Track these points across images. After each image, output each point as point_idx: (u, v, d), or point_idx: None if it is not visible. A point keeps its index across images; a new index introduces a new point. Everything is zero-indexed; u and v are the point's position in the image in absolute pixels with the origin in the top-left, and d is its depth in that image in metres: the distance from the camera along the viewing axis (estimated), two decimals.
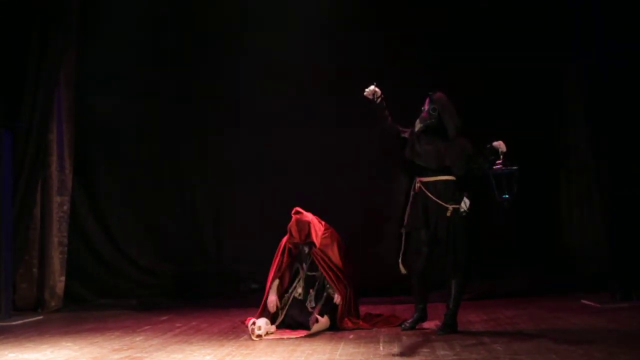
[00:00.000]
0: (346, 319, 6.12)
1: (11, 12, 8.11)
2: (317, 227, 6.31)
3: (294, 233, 6.29)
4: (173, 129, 8.92)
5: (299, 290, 6.28)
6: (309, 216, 6.37)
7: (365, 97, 5.79)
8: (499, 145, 5.67)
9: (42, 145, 8.28)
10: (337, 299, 6.15)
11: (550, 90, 8.47)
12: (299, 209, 6.38)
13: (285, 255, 6.38)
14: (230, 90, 8.83)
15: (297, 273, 6.40)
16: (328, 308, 6.13)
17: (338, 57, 8.61)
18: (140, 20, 8.77)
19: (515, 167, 5.60)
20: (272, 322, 6.10)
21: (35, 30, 8.19)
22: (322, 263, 6.19)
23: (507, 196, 5.59)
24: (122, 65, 8.77)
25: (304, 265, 6.32)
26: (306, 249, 6.33)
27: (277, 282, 6.36)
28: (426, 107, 5.90)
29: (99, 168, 8.96)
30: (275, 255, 6.41)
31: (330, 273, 6.17)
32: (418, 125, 5.90)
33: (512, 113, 8.31)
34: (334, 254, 6.24)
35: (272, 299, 6.28)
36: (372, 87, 5.78)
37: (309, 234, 6.27)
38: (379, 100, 5.79)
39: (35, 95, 8.17)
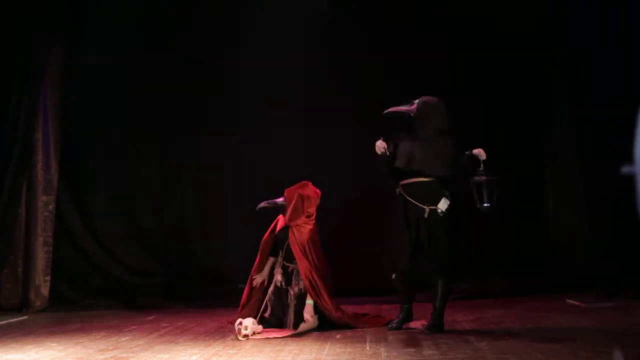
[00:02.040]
0: (334, 312, 6.09)
1: None
2: (302, 208, 6.25)
3: (285, 195, 6.29)
4: (161, 128, 8.90)
5: (279, 277, 6.26)
6: (309, 193, 6.33)
7: (377, 152, 5.83)
8: (479, 153, 5.70)
9: (27, 145, 8.24)
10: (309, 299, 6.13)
11: (535, 89, 8.51)
12: (308, 182, 6.38)
13: (267, 234, 6.36)
14: (218, 89, 8.82)
15: (275, 262, 6.37)
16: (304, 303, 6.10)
17: (333, 57, 8.64)
18: (128, 19, 8.74)
19: (493, 177, 5.61)
20: (257, 315, 6.09)
21: (20, 29, 8.15)
22: (296, 247, 6.12)
23: (487, 204, 5.60)
24: (109, 64, 8.74)
25: (280, 252, 6.30)
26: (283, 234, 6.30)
27: (271, 260, 6.36)
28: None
29: (85, 167, 8.91)
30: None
31: (303, 262, 6.10)
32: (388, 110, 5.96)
33: (497, 113, 8.35)
34: (308, 241, 6.19)
35: (264, 275, 6.30)
36: (380, 143, 5.82)
37: (290, 205, 6.22)
38: (388, 152, 5.83)
39: (21, 95, 8.13)
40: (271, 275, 6.36)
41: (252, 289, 6.52)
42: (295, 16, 8.59)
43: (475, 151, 5.71)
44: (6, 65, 8.09)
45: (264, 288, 6.36)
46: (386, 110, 6.00)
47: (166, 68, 8.83)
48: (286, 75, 8.60)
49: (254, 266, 6.43)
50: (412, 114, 5.89)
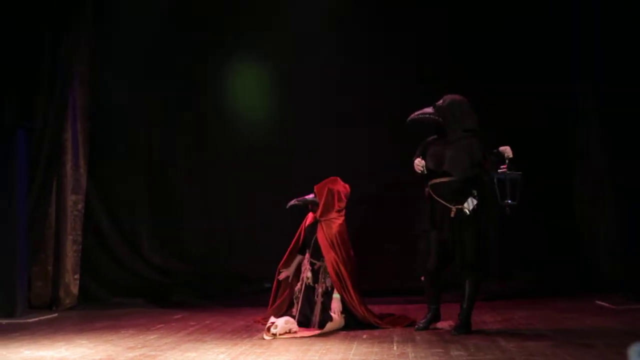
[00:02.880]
0: (359, 307, 6.10)
1: (25, 11, 8.16)
2: (333, 203, 6.27)
3: (315, 191, 6.32)
4: (187, 127, 8.96)
5: (308, 274, 6.28)
6: (339, 188, 6.35)
7: (416, 170, 5.85)
8: (505, 150, 5.68)
9: (57, 144, 8.34)
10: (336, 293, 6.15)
11: (563, 86, 8.43)
12: (338, 178, 6.42)
13: (299, 231, 6.41)
14: (241, 88, 8.85)
15: (303, 259, 6.41)
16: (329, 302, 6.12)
17: (347, 57, 8.66)
18: (154, 19, 8.81)
19: (519, 173, 5.57)
20: (289, 311, 6.17)
21: (49, 28, 8.24)
22: (325, 241, 6.14)
23: (509, 201, 5.57)
24: (137, 63, 8.82)
25: (308, 249, 6.32)
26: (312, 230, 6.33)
27: (300, 257, 6.43)
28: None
29: (114, 167, 9.00)
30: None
31: (331, 255, 6.11)
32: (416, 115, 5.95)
33: (525, 111, 8.28)
34: (336, 235, 6.21)
35: (291, 269, 6.41)
36: (418, 161, 5.84)
37: (321, 200, 6.26)
38: (425, 170, 5.84)
39: (50, 94, 8.22)
40: (298, 272, 6.39)
41: (278, 287, 6.56)
42: (313, 15, 8.62)
43: (502, 148, 5.69)
44: (35, 65, 8.18)
45: (291, 286, 6.40)
46: (411, 117, 5.99)
47: (193, 66, 8.89)
48: (310, 75, 8.62)
49: (282, 261, 6.47)
50: (438, 119, 5.87)
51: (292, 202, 6.48)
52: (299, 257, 6.48)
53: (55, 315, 7.77)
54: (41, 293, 8.30)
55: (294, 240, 6.51)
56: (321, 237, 6.20)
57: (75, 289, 8.41)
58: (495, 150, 5.71)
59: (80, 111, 8.60)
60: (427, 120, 5.96)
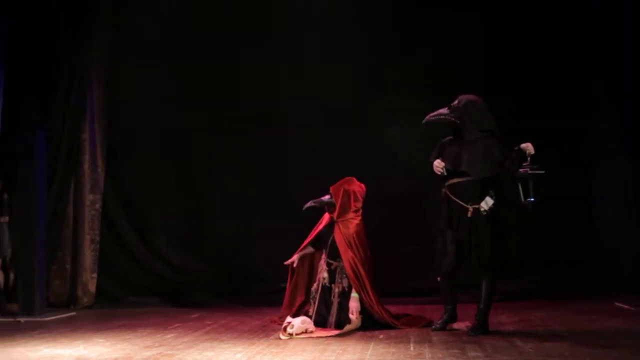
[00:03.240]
0: (377, 307, 6.09)
1: (44, 12, 8.22)
2: (350, 203, 6.28)
3: (331, 192, 6.34)
4: (203, 128, 8.98)
5: (325, 275, 6.28)
6: (354, 188, 6.35)
7: (435, 172, 5.84)
8: (527, 147, 5.64)
9: (75, 145, 8.40)
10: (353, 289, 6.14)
11: (584, 88, 8.37)
12: (353, 178, 6.42)
13: (316, 228, 6.43)
14: (260, 90, 8.88)
15: (319, 260, 6.42)
16: (348, 301, 6.11)
17: (367, 57, 8.65)
18: (172, 18, 8.85)
19: (542, 171, 5.54)
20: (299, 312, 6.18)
21: (68, 30, 8.30)
22: (342, 241, 6.14)
23: (532, 199, 5.53)
24: (154, 63, 8.86)
25: (325, 250, 6.32)
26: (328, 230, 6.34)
27: (310, 249, 6.47)
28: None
29: (131, 167, 9.05)
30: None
31: (348, 255, 6.11)
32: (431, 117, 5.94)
33: (545, 112, 8.23)
34: (353, 235, 6.20)
35: (296, 257, 6.44)
36: (437, 163, 5.82)
37: (338, 201, 6.27)
38: (445, 171, 5.82)
39: (68, 95, 8.29)
40: (311, 270, 6.38)
41: (294, 287, 6.57)
42: (333, 14, 8.62)
43: (523, 145, 5.65)
44: (53, 66, 8.25)
45: (307, 286, 6.41)
46: (426, 119, 5.97)
47: (210, 67, 8.91)
48: (326, 75, 8.63)
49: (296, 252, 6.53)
50: (455, 120, 5.85)
51: (309, 203, 6.48)
52: (309, 249, 6.49)
53: (73, 313, 7.83)
54: (59, 292, 8.37)
55: (308, 237, 6.51)
56: (338, 237, 6.20)
57: (92, 288, 8.47)
58: (516, 148, 5.68)
59: (98, 111, 8.67)
60: (443, 122, 5.94)
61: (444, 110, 5.94)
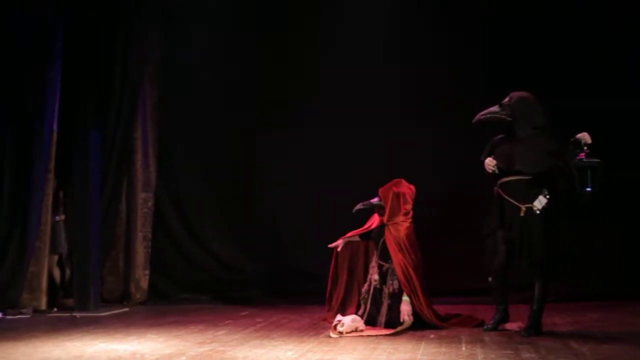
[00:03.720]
0: (426, 310, 6.07)
1: (97, 13, 8.40)
2: (399, 205, 6.26)
3: (380, 195, 6.33)
4: (254, 126, 9.04)
5: (376, 277, 6.27)
6: (404, 190, 6.33)
7: (487, 170, 5.78)
8: (583, 136, 5.54)
9: (127, 144, 8.57)
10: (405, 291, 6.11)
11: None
12: (402, 179, 6.41)
13: (367, 225, 6.43)
14: (313, 90, 8.90)
15: (370, 262, 6.42)
16: (398, 302, 6.09)
17: (407, 58, 8.63)
18: (223, 18, 8.93)
19: (597, 160, 5.43)
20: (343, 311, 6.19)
21: (120, 30, 8.46)
22: (393, 244, 6.12)
23: (588, 189, 5.42)
24: (205, 63, 8.97)
25: (376, 251, 6.32)
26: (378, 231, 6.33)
27: (356, 238, 6.52)
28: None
29: (182, 166, 9.17)
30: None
31: (399, 258, 6.09)
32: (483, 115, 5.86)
33: (601, 103, 8.08)
34: (404, 238, 6.18)
35: (339, 242, 6.53)
36: (489, 161, 5.76)
37: (387, 204, 6.25)
38: (497, 169, 5.76)
39: (122, 95, 8.46)
40: (357, 268, 6.39)
41: (334, 287, 6.59)
42: (378, 13, 8.59)
43: (579, 135, 5.55)
44: (106, 65, 8.42)
45: (346, 282, 6.44)
46: (476, 117, 5.89)
47: (259, 66, 8.96)
48: (373, 76, 8.62)
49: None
50: (507, 117, 5.77)
51: (358, 206, 6.48)
52: (355, 237, 6.53)
53: (126, 309, 7.98)
54: (113, 288, 8.55)
55: (357, 230, 6.54)
56: (389, 240, 6.18)
57: (145, 285, 8.61)
58: (572, 139, 5.57)
59: (150, 111, 8.81)
60: (494, 120, 5.86)
61: (495, 108, 5.86)
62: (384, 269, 6.23)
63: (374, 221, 6.48)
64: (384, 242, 6.22)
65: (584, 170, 5.44)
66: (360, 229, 6.59)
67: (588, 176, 5.43)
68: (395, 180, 6.42)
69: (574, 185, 5.47)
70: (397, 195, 6.28)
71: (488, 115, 5.87)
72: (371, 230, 6.48)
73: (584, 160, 5.45)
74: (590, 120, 7.76)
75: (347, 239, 6.59)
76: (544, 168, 5.63)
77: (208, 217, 9.13)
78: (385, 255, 6.23)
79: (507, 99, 5.83)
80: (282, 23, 8.97)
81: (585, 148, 5.49)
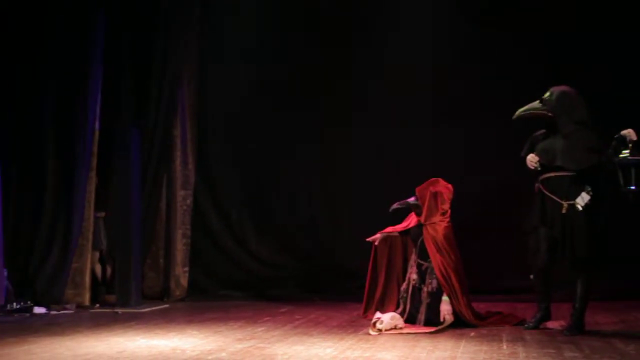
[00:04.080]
0: (465, 310, 6.02)
1: (137, 14, 8.51)
2: (436, 205, 6.23)
3: (417, 194, 6.30)
4: (293, 125, 9.04)
5: (414, 276, 6.23)
6: (441, 189, 6.29)
7: (529, 167, 5.71)
8: (628, 133, 5.45)
9: (167, 142, 8.67)
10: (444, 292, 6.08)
11: None
12: (439, 179, 6.38)
13: (405, 223, 6.41)
14: (349, 87, 8.89)
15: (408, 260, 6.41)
16: (437, 301, 6.05)
17: (455, 55, 8.55)
18: (262, 17, 8.97)
19: None
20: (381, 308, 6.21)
21: (159, 30, 8.55)
22: (431, 245, 6.09)
23: (633, 187, 5.32)
24: (244, 61, 9.01)
25: (415, 249, 6.28)
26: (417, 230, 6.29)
27: (396, 234, 6.54)
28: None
29: (221, 163, 9.22)
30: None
31: (438, 259, 6.05)
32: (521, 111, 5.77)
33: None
34: (442, 239, 6.14)
35: (376, 237, 6.57)
36: (531, 156, 5.68)
37: (424, 204, 6.22)
38: (539, 167, 5.69)
39: (161, 94, 8.56)
40: (392, 266, 6.35)
41: (372, 283, 6.57)
42: (419, 12, 8.56)
43: (624, 132, 5.46)
44: (145, 64, 8.53)
45: (398, 286, 6.42)
46: (517, 113, 5.82)
47: (299, 65, 8.96)
48: (413, 75, 8.58)
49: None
50: (548, 113, 5.69)
51: (395, 205, 6.46)
52: (394, 233, 6.51)
53: (167, 306, 8.08)
54: (153, 284, 8.65)
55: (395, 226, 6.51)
56: (427, 241, 6.15)
57: (184, 281, 8.70)
58: (617, 135, 5.48)
59: (189, 109, 8.89)
60: (535, 116, 5.79)
61: (535, 104, 5.78)
62: (423, 267, 6.20)
63: (412, 220, 6.44)
64: (422, 242, 6.18)
65: (628, 168, 5.35)
66: (399, 225, 6.56)
67: (632, 174, 5.33)
68: (432, 179, 6.38)
69: (618, 183, 5.38)
70: (435, 195, 6.24)
71: (528, 111, 5.80)
72: (410, 229, 6.45)
73: (629, 157, 5.35)
74: (635, 116, 7.71)
75: (384, 234, 6.57)
76: (587, 164, 5.53)
77: (247, 214, 9.17)
78: (424, 255, 6.19)
79: (547, 94, 5.75)
80: (324, 21, 8.95)
81: (630, 145, 5.39)
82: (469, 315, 6.02)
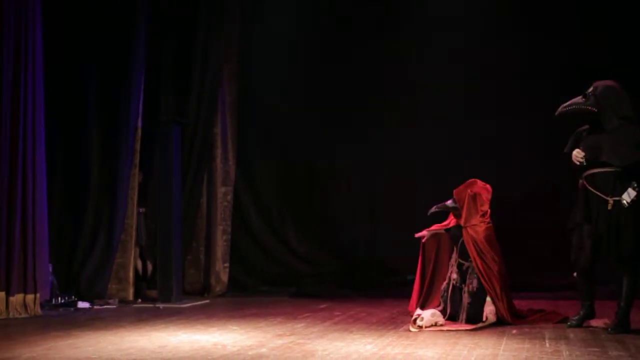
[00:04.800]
0: (506, 313, 5.95)
1: (178, 12, 8.60)
2: (476, 207, 6.17)
3: (455, 197, 6.25)
4: (331, 123, 9.07)
5: (455, 275, 6.19)
6: (479, 191, 6.22)
7: (575, 162, 5.59)
8: None
9: (207, 139, 8.75)
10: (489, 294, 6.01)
11: None
12: (476, 180, 6.31)
13: (446, 222, 6.37)
14: (385, 85, 8.88)
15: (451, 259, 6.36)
16: (478, 301, 6.00)
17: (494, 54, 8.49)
18: (301, 20, 9.01)
19: None
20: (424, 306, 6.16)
21: (201, 29, 8.63)
22: (471, 247, 6.04)
23: None
24: (284, 59, 9.05)
25: (455, 249, 6.23)
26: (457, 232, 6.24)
27: (442, 231, 6.44)
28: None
29: (260, 160, 9.29)
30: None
31: (478, 261, 6.00)
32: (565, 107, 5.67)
33: None
34: (483, 241, 6.08)
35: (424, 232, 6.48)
36: (577, 152, 5.56)
37: (463, 206, 6.16)
38: (585, 161, 5.56)
39: (201, 92, 8.63)
40: (436, 259, 6.40)
41: (422, 279, 6.54)
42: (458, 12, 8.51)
43: None
44: (188, 64, 8.61)
45: (431, 275, 6.41)
46: (560, 110, 5.71)
47: (338, 64, 8.98)
48: (448, 76, 8.54)
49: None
50: (592, 108, 5.58)
51: (433, 209, 6.40)
52: (441, 230, 6.43)
53: (207, 301, 8.15)
54: (194, 280, 8.75)
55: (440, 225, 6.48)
56: (468, 243, 6.09)
57: (225, 277, 8.78)
58: None
59: (229, 106, 8.96)
60: (579, 112, 5.68)
61: (579, 99, 5.67)
62: (464, 267, 6.15)
63: (452, 219, 6.39)
64: (463, 243, 6.14)
65: None
66: (442, 224, 6.50)
67: None
68: (470, 180, 6.29)
69: None
70: (473, 197, 6.16)
71: (572, 107, 5.69)
72: (450, 228, 6.39)
73: None
74: None
75: (432, 231, 6.51)
76: (633, 160, 5.42)
77: (287, 211, 9.23)
78: (464, 254, 6.14)
79: (591, 89, 5.64)
80: (363, 22, 8.95)
81: None
82: (508, 316, 5.96)
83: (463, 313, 6.01)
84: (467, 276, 6.09)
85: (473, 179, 6.31)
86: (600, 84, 5.64)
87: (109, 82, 8.05)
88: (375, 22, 8.92)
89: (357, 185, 9.11)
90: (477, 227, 6.10)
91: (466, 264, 6.13)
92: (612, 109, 5.55)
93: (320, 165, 9.19)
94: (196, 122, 8.63)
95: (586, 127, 5.74)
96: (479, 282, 6.01)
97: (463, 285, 6.09)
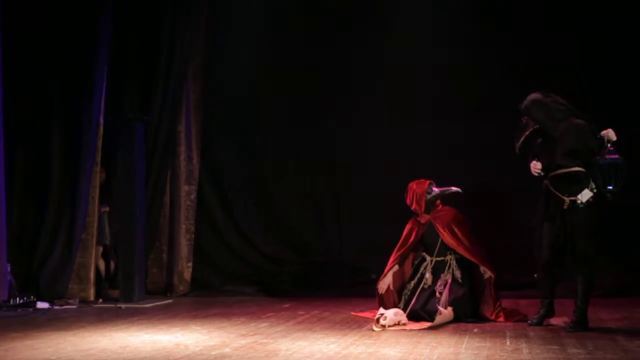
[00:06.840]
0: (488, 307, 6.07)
1: (142, 9, 8.50)
2: (423, 198, 6.34)
3: (407, 199, 6.39)
4: (297, 120, 9.05)
5: (427, 275, 6.24)
6: (414, 189, 6.39)
7: (533, 173, 5.76)
8: (607, 133, 5.49)
9: (171, 137, 8.66)
10: (487, 273, 6.16)
11: None
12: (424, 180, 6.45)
13: (412, 237, 6.40)
14: (354, 84, 8.89)
15: (422, 261, 6.37)
16: (455, 297, 6.07)
17: (464, 54, 8.58)
18: (268, 16, 8.97)
19: (619, 158, 5.38)
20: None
21: (165, 26, 8.54)
22: (452, 239, 6.19)
23: (610, 188, 5.35)
24: (249, 57, 9.00)
25: (433, 249, 6.31)
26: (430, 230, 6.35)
27: (396, 267, 6.38)
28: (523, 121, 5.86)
29: (225, 158, 9.23)
30: (400, 239, 6.45)
31: (464, 250, 6.15)
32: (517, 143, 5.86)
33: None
34: (461, 228, 6.25)
35: (386, 282, 6.33)
36: (534, 164, 5.74)
37: (416, 204, 6.34)
38: (542, 172, 5.73)
39: (166, 89, 8.53)
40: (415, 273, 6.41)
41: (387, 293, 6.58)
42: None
43: (604, 132, 5.51)
44: (151, 60, 8.52)
45: (404, 284, 6.42)
46: (517, 147, 5.87)
47: (304, 61, 8.95)
48: (415, 76, 8.60)
49: (393, 254, 6.43)
50: (535, 127, 5.75)
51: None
52: (395, 267, 6.40)
53: (170, 301, 8.08)
54: (156, 280, 8.67)
55: (395, 253, 6.44)
56: (442, 232, 6.29)
57: (188, 277, 8.71)
58: (598, 135, 5.53)
59: (193, 104, 8.88)
60: (529, 135, 5.84)
61: (522, 124, 5.83)
62: (442, 261, 6.29)
63: (415, 229, 6.42)
64: (442, 242, 6.30)
65: (607, 168, 5.37)
66: (399, 248, 6.44)
67: (611, 174, 5.35)
68: (409, 185, 6.44)
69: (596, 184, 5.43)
70: (418, 196, 6.35)
71: (523, 136, 5.85)
72: (422, 236, 6.43)
73: (607, 158, 5.37)
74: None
75: (389, 277, 6.36)
76: (585, 159, 5.54)
77: (252, 209, 9.18)
78: (442, 250, 6.29)
79: (522, 109, 5.78)
80: (331, 18, 8.94)
81: (609, 145, 5.43)
82: (492, 272, 6.14)
83: (425, 310, 6.06)
84: (443, 272, 6.19)
85: (410, 183, 6.44)
86: (527, 102, 5.81)
87: (70, 79, 7.92)
88: (343, 20, 8.91)
89: (322, 184, 9.10)
90: (437, 214, 6.35)
91: (446, 259, 6.25)
92: (549, 118, 5.70)
93: (286, 164, 9.16)
94: (159, 120, 8.52)
95: (540, 140, 5.87)
96: (453, 275, 6.15)
97: (435, 288, 6.17)
